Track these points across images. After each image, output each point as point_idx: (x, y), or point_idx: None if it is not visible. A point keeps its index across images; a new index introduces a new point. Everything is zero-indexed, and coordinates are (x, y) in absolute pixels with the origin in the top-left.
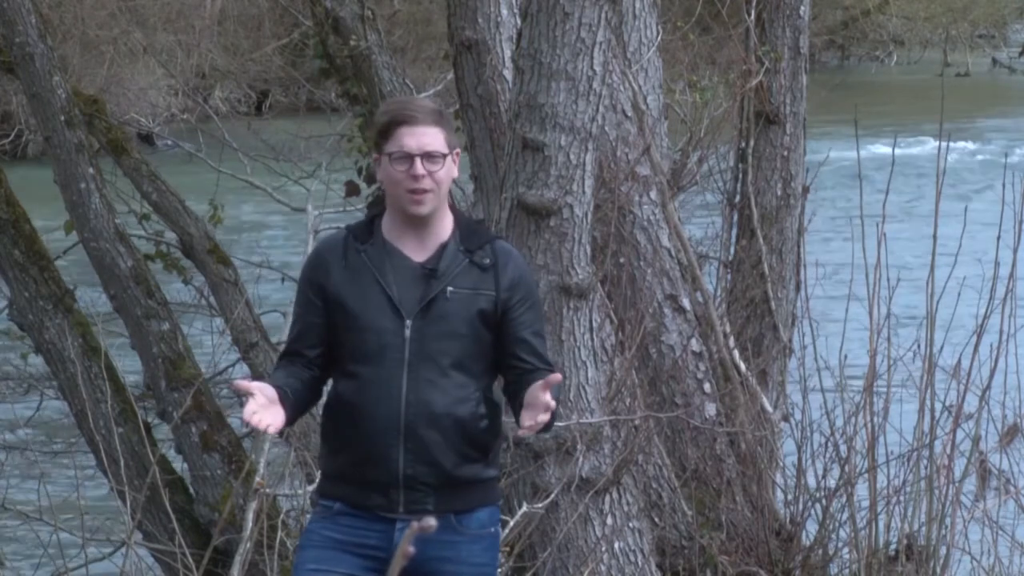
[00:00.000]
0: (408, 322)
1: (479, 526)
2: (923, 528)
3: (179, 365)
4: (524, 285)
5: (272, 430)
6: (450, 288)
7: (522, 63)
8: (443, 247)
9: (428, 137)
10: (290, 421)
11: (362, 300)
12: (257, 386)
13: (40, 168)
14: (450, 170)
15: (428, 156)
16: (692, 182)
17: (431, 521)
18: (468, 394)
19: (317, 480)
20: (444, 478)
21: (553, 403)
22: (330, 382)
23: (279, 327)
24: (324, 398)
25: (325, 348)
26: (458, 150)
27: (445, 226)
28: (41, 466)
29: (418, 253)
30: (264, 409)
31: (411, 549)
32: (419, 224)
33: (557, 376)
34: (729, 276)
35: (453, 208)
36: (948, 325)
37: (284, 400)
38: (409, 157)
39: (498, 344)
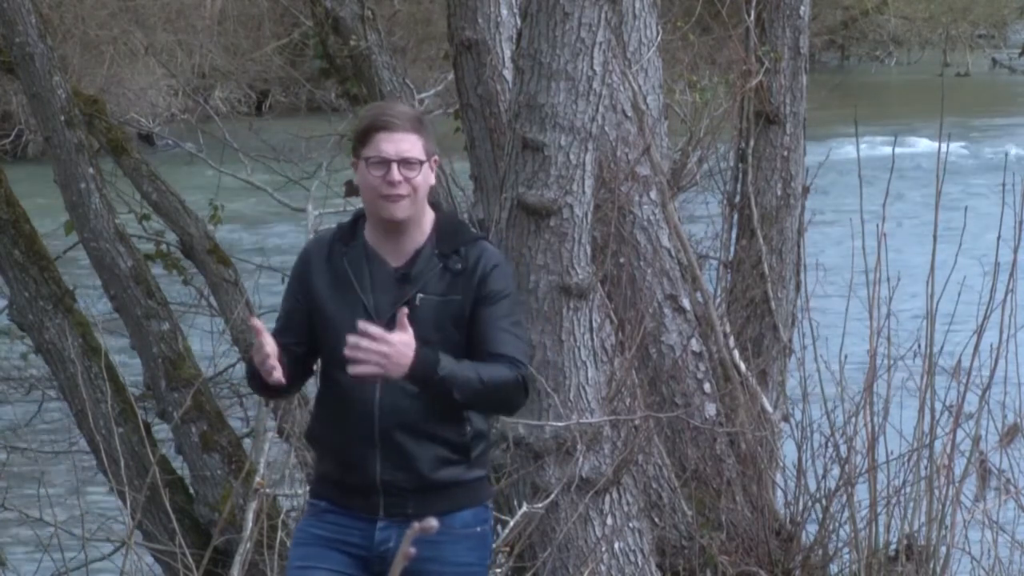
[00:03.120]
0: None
1: (463, 525)
2: (923, 528)
3: (179, 365)
4: (494, 278)
5: (276, 376)
6: (420, 295)
7: (522, 63)
8: (418, 252)
9: (406, 144)
10: (288, 382)
11: (339, 305)
12: (267, 336)
13: (40, 168)
14: (427, 176)
15: (405, 162)
16: (692, 182)
17: (432, 522)
18: None
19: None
20: (422, 483)
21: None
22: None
23: None
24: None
25: (306, 345)
26: (436, 157)
27: (422, 231)
28: (41, 466)
29: (395, 258)
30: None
31: (412, 551)
32: (395, 229)
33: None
34: (729, 276)
35: (437, 208)
36: (948, 325)
37: (281, 361)
38: (386, 163)
39: (467, 341)
